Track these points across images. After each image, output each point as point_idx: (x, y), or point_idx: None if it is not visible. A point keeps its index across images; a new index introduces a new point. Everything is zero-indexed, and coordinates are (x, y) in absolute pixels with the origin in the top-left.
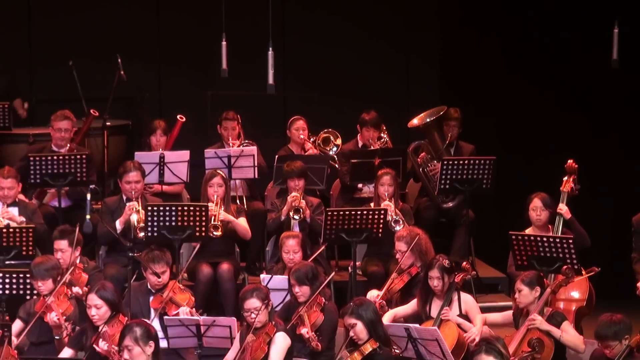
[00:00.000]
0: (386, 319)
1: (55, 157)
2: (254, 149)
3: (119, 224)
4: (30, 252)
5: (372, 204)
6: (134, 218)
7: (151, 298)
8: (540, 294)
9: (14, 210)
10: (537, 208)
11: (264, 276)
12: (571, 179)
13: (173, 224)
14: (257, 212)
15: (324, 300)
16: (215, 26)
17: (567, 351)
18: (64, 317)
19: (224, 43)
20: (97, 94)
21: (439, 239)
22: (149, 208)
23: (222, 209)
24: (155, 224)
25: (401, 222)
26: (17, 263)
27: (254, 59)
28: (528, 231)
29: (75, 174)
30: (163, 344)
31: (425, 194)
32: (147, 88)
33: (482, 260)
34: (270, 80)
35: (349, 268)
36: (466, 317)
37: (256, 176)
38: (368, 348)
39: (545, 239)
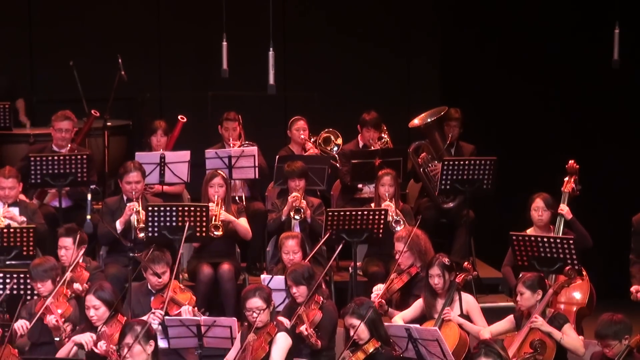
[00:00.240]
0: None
1: (55, 158)
2: (254, 149)
3: (119, 224)
4: (31, 252)
5: (372, 205)
6: (135, 218)
7: (152, 298)
8: (542, 296)
9: (15, 211)
10: (538, 208)
11: (264, 276)
12: (572, 180)
13: (173, 224)
14: (258, 212)
15: (322, 298)
16: (216, 26)
17: (568, 352)
18: (63, 319)
19: (224, 43)
20: (98, 94)
21: (440, 239)
22: (150, 208)
23: (223, 209)
24: (156, 224)
25: (402, 222)
26: (17, 263)
27: (254, 60)
28: (529, 231)
29: (76, 174)
30: (164, 344)
31: (426, 194)
32: (148, 88)
33: (483, 260)
34: (271, 80)
35: (350, 268)
36: (467, 317)
37: (257, 176)
38: (370, 347)
39: (545, 239)
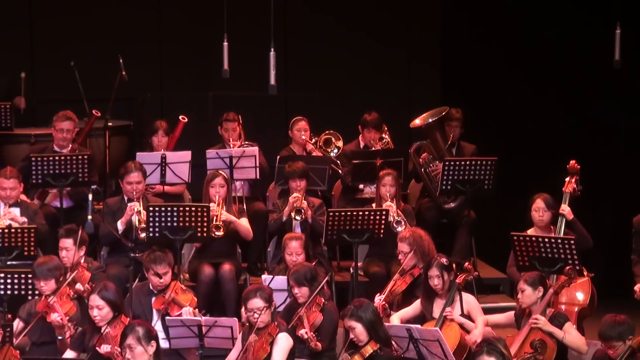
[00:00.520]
0: (394, 322)
1: (57, 158)
2: (255, 150)
3: (120, 225)
4: (32, 253)
5: (373, 205)
6: (136, 219)
7: (153, 299)
8: (543, 295)
9: (16, 211)
10: (539, 209)
11: (265, 277)
12: (573, 180)
13: (174, 224)
14: (259, 212)
15: (323, 300)
16: (217, 27)
17: (569, 352)
18: (67, 318)
19: (225, 44)
20: (99, 95)
21: (441, 239)
22: (151, 209)
23: (224, 209)
24: (157, 224)
25: (403, 222)
26: (18, 263)
27: (255, 60)
28: (530, 232)
29: (77, 175)
30: (165, 344)
31: (427, 194)
32: (149, 88)
33: (484, 260)
34: (272, 81)
35: (351, 269)
36: (468, 317)
37: (258, 177)
38: (369, 350)
39: (546, 239)
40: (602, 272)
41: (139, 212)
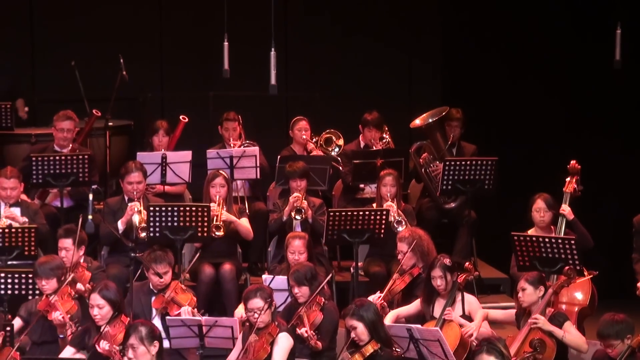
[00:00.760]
0: (389, 319)
1: (57, 158)
2: (256, 150)
3: (121, 225)
4: (33, 252)
5: (374, 205)
6: (136, 218)
7: (153, 298)
8: (543, 294)
9: (17, 211)
10: (540, 209)
11: (265, 276)
12: (574, 180)
13: (175, 224)
14: (259, 212)
15: (323, 300)
16: (217, 26)
17: (569, 352)
18: (68, 316)
19: (226, 43)
20: (100, 94)
21: (441, 239)
22: (151, 208)
23: (225, 209)
24: (157, 224)
25: (403, 222)
26: (19, 263)
27: (256, 60)
28: (531, 232)
29: (78, 174)
30: (165, 344)
31: (427, 194)
32: (150, 88)
33: (484, 261)
34: (273, 80)
35: (351, 269)
36: (469, 317)
37: (258, 176)
38: (369, 349)
39: (547, 239)
40: (603, 272)
41: (139, 212)
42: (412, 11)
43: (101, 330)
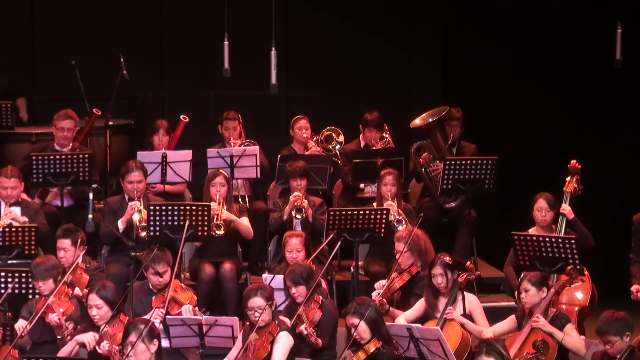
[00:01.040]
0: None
1: (57, 157)
2: (256, 149)
3: (121, 224)
4: (33, 252)
5: (374, 204)
6: (136, 217)
7: (153, 298)
8: (546, 295)
9: (17, 210)
10: (542, 209)
11: (266, 276)
12: (574, 179)
13: (175, 223)
14: (260, 211)
15: (321, 297)
16: (218, 26)
17: (569, 352)
18: (65, 317)
19: (226, 43)
20: (100, 94)
21: (442, 239)
22: (151, 208)
23: (225, 208)
24: (158, 223)
25: (404, 222)
26: (19, 262)
27: (256, 59)
28: (531, 231)
29: (78, 174)
30: (165, 343)
31: (428, 194)
32: (150, 88)
33: (484, 260)
34: (273, 80)
35: (351, 268)
36: (470, 317)
37: (258, 176)
38: (372, 347)
39: (547, 239)
40: (603, 271)
41: (139, 211)
42: (413, 11)
43: (100, 330)
